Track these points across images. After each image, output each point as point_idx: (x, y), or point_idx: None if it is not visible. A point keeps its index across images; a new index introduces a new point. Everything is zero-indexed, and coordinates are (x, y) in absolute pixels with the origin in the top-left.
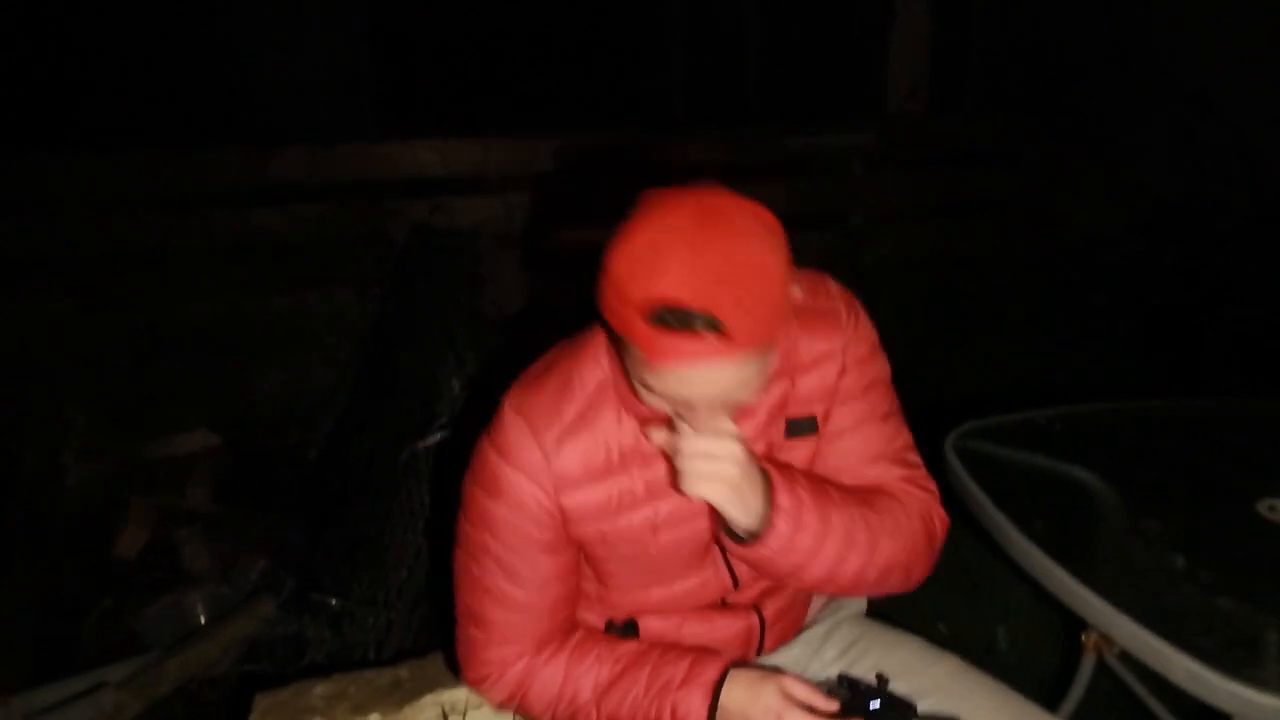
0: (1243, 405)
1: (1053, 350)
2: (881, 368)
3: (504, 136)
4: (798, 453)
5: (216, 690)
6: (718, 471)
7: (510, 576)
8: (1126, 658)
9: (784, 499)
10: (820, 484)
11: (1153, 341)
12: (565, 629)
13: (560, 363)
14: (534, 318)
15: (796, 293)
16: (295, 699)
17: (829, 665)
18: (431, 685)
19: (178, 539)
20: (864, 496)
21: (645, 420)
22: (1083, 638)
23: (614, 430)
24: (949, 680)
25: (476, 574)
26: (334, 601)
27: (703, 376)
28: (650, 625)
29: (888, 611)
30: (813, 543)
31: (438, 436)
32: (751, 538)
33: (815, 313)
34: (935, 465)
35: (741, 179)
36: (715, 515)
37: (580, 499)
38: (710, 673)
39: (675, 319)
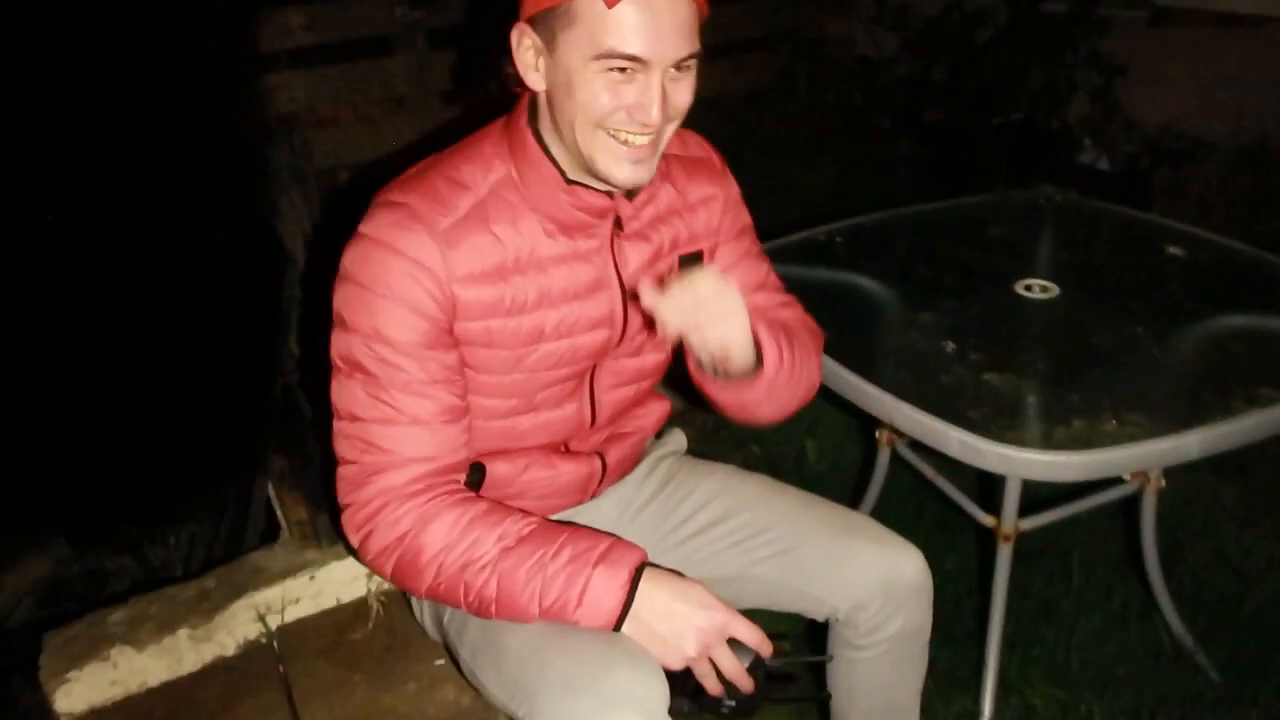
0: (1001, 197)
1: (840, 174)
2: (747, 212)
3: None
4: None
5: (11, 640)
6: (735, 308)
7: (400, 385)
8: (916, 445)
9: (765, 336)
10: (773, 321)
11: (930, 155)
12: (464, 470)
13: (441, 165)
14: None
15: (673, 143)
16: (89, 630)
17: (650, 501)
18: (242, 590)
19: None
20: (783, 325)
21: (561, 222)
22: (877, 435)
23: (510, 235)
24: (757, 496)
25: (358, 392)
26: (129, 525)
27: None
28: (496, 469)
29: (701, 450)
30: (786, 377)
31: None
32: (741, 375)
33: (694, 160)
34: None
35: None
36: (687, 352)
37: (472, 294)
38: (631, 557)
39: None
